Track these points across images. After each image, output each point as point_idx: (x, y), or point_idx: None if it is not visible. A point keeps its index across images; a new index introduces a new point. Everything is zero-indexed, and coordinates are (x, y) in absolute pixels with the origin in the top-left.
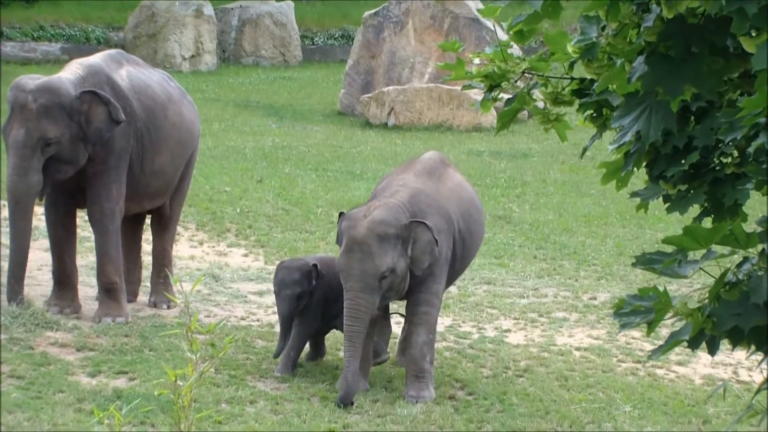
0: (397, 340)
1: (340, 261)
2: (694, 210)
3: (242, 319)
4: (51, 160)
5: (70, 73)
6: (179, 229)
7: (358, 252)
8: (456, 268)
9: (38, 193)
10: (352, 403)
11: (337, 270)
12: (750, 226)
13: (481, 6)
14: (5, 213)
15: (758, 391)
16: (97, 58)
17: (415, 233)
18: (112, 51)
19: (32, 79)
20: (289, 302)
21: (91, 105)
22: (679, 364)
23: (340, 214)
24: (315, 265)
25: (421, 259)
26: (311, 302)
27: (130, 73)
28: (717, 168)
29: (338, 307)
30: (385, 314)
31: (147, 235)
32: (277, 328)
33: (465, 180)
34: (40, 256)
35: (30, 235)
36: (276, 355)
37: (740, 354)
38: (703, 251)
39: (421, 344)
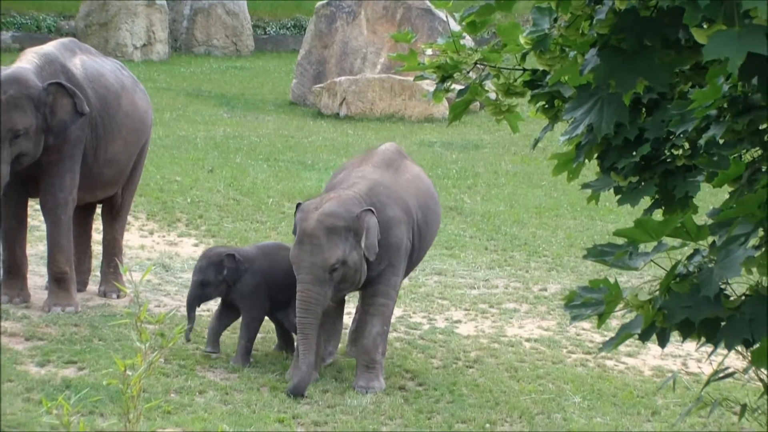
0: (348, 331)
1: (292, 253)
2: (645, 202)
3: None
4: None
5: (27, 63)
6: (130, 218)
7: (308, 244)
8: (413, 259)
9: (5, 186)
10: (303, 395)
11: (290, 260)
12: (701, 219)
13: None
14: None
15: (707, 383)
16: (51, 47)
17: (366, 222)
18: (66, 40)
19: None
20: (193, 288)
21: (57, 96)
22: (629, 355)
23: (298, 205)
24: (230, 255)
25: (374, 245)
26: (242, 290)
27: (84, 62)
28: (668, 160)
29: (288, 295)
30: (338, 308)
31: (97, 225)
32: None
33: (422, 171)
34: None
35: None
36: (186, 339)
37: (690, 346)
38: (654, 243)
39: (375, 335)
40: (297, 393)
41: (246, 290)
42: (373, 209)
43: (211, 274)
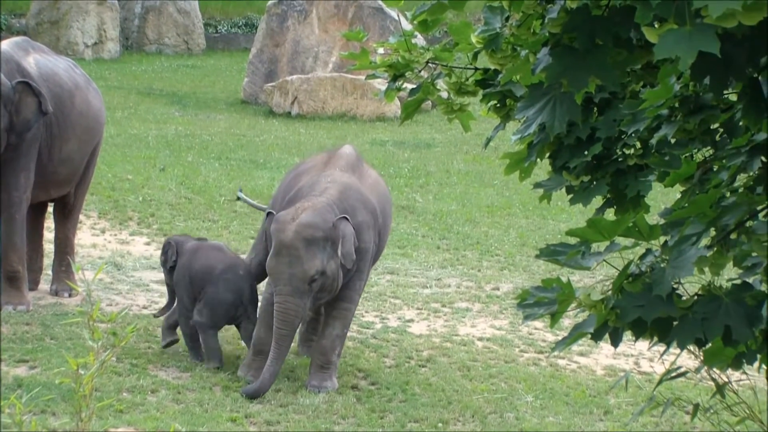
0: (298, 331)
1: (269, 264)
2: (597, 201)
3: (144, 307)
4: None
5: None
6: (81, 217)
7: (286, 256)
8: (373, 262)
9: None
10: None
11: (267, 271)
12: (653, 218)
13: None
14: None
15: (660, 382)
16: (5, 46)
17: (342, 230)
18: (18, 38)
19: None
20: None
21: (22, 95)
22: (581, 354)
23: (268, 213)
24: (171, 242)
25: (351, 252)
26: (174, 279)
27: (37, 60)
28: (620, 159)
29: (200, 296)
30: (317, 316)
31: (48, 223)
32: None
33: (377, 174)
34: None
35: None
36: (155, 315)
37: (642, 345)
38: (607, 243)
39: (334, 337)
40: (253, 397)
41: (176, 278)
42: (347, 216)
43: (162, 258)
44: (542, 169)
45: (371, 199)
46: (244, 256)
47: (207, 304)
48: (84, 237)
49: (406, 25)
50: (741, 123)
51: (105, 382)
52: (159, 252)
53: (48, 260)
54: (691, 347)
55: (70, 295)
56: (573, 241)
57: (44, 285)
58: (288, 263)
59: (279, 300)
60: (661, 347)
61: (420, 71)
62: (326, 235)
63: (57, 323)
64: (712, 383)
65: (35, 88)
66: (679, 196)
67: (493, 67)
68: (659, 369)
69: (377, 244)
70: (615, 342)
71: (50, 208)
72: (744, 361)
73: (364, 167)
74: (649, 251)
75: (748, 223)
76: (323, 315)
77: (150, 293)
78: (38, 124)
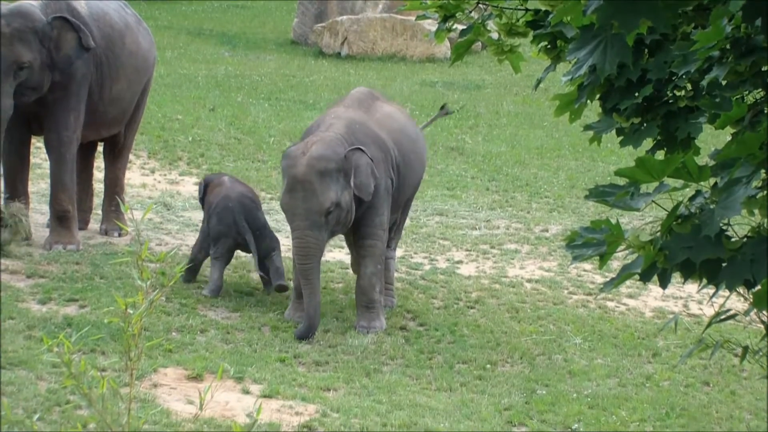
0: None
1: (283, 201)
2: (647, 143)
3: None
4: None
5: (33, 1)
6: (131, 157)
7: (300, 191)
8: (396, 197)
9: (8, 119)
10: (310, 338)
11: (282, 207)
12: (702, 160)
13: None
14: None
15: (709, 324)
16: None
17: (355, 161)
18: None
19: (3, 5)
20: None
21: (61, 31)
22: (630, 297)
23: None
24: (203, 181)
25: (366, 183)
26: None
27: (89, 1)
28: (670, 101)
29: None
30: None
31: (98, 163)
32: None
33: (398, 110)
34: None
35: None
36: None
37: (691, 287)
38: (656, 184)
39: (369, 275)
40: (305, 337)
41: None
42: (362, 147)
43: (198, 195)
44: (592, 110)
45: (380, 134)
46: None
47: (209, 236)
48: (134, 177)
49: None
50: None
51: (154, 321)
52: None
53: (98, 200)
54: (740, 289)
55: (119, 235)
56: (622, 182)
57: (94, 224)
58: (303, 197)
59: (297, 235)
60: (710, 289)
61: (470, 12)
62: (339, 166)
63: (106, 263)
64: (761, 325)
65: (74, 23)
66: (729, 138)
67: (543, 8)
68: (708, 311)
69: (394, 179)
70: (663, 283)
71: (100, 148)
72: None
73: (376, 104)
74: (698, 192)
75: None
76: (355, 257)
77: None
78: (88, 64)
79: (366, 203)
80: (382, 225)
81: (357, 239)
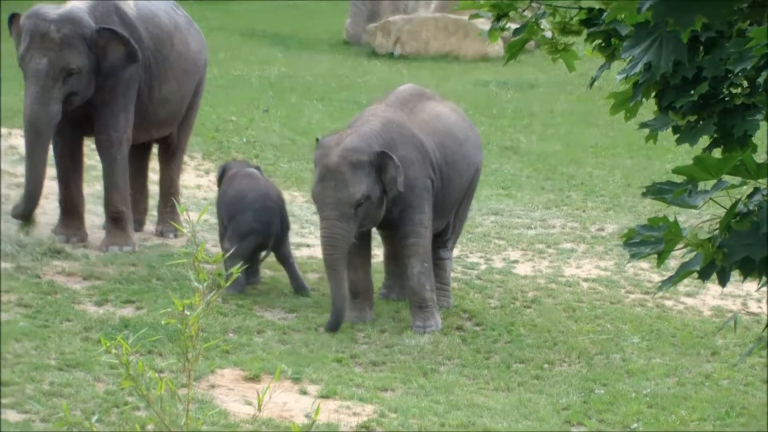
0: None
1: (314, 191)
2: (704, 141)
3: None
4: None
5: (81, 2)
6: (186, 158)
7: (331, 180)
8: (440, 199)
9: (57, 124)
10: (338, 330)
11: (313, 197)
12: (760, 157)
13: None
14: (11, 142)
15: None
16: None
17: (385, 162)
18: None
19: (52, 9)
20: None
21: (109, 41)
22: (688, 295)
23: (317, 140)
24: (222, 167)
25: (392, 187)
26: (216, 203)
27: (137, 1)
28: (726, 98)
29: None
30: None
31: (153, 165)
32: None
33: (450, 110)
34: (47, 184)
35: (46, 166)
36: None
37: (750, 285)
38: (714, 181)
39: (417, 275)
40: (333, 329)
41: (216, 202)
42: (390, 153)
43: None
44: (647, 108)
45: (418, 135)
46: None
47: (235, 231)
48: (188, 178)
49: None
50: None
51: (211, 322)
52: None
53: (153, 201)
54: None
55: (175, 236)
56: (679, 179)
57: (150, 226)
58: (333, 187)
59: (325, 225)
60: None
61: (524, 11)
62: (371, 159)
63: (162, 264)
64: None
65: (123, 37)
66: None
67: (597, 6)
68: None
69: (436, 180)
70: (722, 281)
71: (155, 150)
72: None
73: (423, 103)
74: (756, 190)
75: None
76: (400, 258)
77: None
78: (136, 66)
79: (404, 202)
80: (422, 223)
81: (399, 239)
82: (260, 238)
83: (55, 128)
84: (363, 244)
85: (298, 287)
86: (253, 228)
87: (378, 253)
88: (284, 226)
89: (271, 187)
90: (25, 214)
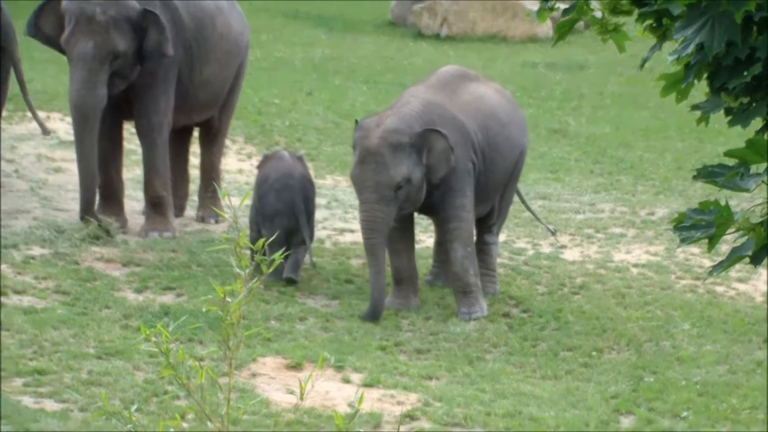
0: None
1: (353, 173)
2: (756, 123)
3: None
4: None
5: None
6: (227, 142)
7: (371, 163)
8: (482, 182)
9: (103, 108)
10: (378, 318)
11: (351, 179)
12: None
13: None
14: (50, 125)
15: None
16: None
17: (430, 141)
18: None
19: None
20: None
21: (152, 26)
22: (740, 281)
23: (356, 122)
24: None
25: (437, 167)
26: None
27: None
28: None
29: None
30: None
31: (194, 149)
32: (329, 244)
33: (494, 92)
34: None
35: (96, 152)
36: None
37: None
38: (766, 164)
39: (460, 259)
40: (372, 318)
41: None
42: (443, 131)
43: None
44: (699, 90)
45: (459, 117)
46: None
47: (260, 214)
48: (230, 162)
49: None
50: None
51: (253, 310)
52: None
53: (194, 186)
54: None
55: (216, 222)
56: (731, 162)
57: (190, 211)
58: (374, 170)
59: (365, 208)
60: None
61: None
62: (412, 141)
63: (203, 250)
64: None
65: (162, 26)
66: None
67: None
68: None
69: (477, 163)
70: None
71: (196, 134)
72: None
73: (466, 85)
74: None
75: None
76: (443, 242)
77: None
78: (177, 48)
79: (445, 185)
80: (464, 207)
81: (441, 223)
82: (285, 220)
83: (101, 113)
84: (405, 229)
85: (287, 272)
86: (277, 209)
87: (422, 238)
88: (308, 208)
89: (296, 167)
90: (86, 208)
